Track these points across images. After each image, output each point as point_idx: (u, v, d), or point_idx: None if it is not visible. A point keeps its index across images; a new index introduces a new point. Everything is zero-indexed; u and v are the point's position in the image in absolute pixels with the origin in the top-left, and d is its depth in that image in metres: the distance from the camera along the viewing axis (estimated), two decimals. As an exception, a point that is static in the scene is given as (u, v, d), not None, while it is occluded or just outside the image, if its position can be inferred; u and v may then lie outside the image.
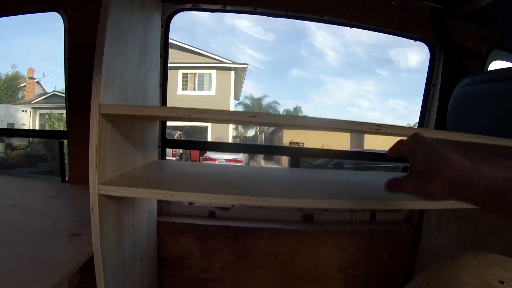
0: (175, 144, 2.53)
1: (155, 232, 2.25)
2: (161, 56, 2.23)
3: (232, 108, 19.31)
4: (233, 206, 2.56)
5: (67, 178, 2.61)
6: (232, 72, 19.75)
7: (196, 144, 2.72)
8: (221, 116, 1.24)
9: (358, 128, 1.29)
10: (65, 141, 2.53)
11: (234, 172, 1.92)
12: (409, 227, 2.48)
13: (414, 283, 1.26)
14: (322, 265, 2.48)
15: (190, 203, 2.54)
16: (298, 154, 2.58)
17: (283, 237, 2.43)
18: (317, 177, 1.90)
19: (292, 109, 21.24)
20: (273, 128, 19.90)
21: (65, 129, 2.49)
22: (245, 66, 20.37)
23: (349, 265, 2.49)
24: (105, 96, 1.26)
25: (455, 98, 2.16)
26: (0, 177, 2.68)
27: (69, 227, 1.61)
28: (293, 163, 2.57)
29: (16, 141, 10.53)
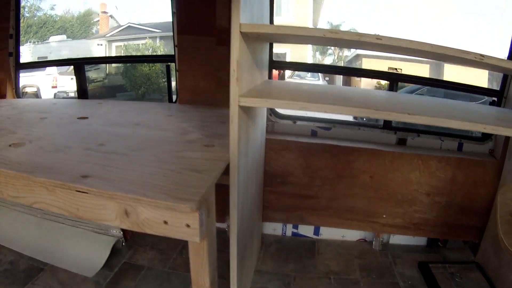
0: (281, 65, 2.62)
1: (264, 147, 2.39)
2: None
3: None
4: (334, 126, 2.66)
5: (174, 99, 2.78)
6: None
7: (303, 66, 2.79)
8: (352, 37, 1.31)
9: (462, 56, 1.33)
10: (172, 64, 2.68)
11: (337, 90, 2.02)
12: (492, 160, 2.51)
13: None
14: (412, 188, 2.57)
15: (294, 122, 2.66)
16: (396, 80, 2.62)
17: (379, 158, 2.52)
18: (415, 100, 1.97)
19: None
20: (352, 56, 19.30)
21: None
22: (324, -9, 19.57)
23: (436, 191, 2.56)
24: (241, 16, 1.34)
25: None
26: (109, 101, 2.84)
27: (198, 139, 1.75)
28: (391, 87, 2.62)
29: (93, 74, 10.90)
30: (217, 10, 2.40)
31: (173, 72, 2.72)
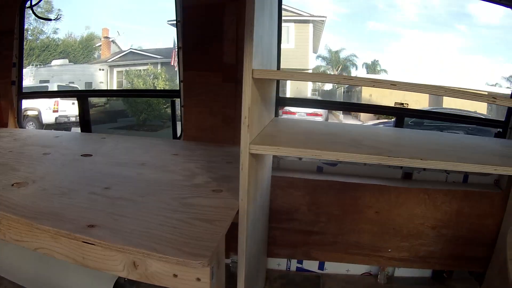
0: (286, 102, 2.64)
1: (269, 185, 2.37)
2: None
3: (310, 61, 18.75)
4: (340, 162, 2.65)
5: (178, 135, 2.76)
6: (310, 25, 19.21)
7: (308, 102, 2.81)
8: (366, 84, 1.32)
9: (475, 99, 1.36)
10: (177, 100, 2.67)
11: (345, 129, 2.03)
12: (498, 191, 2.52)
13: None
14: (418, 222, 2.56)
15: (300, 158, 2.65)
16: (403, 115, 2.64)
17: (385, 193, 2.51)
18: (422, 137, 2.01)
19: (370, 63, 20.66)
20: (351, 83, 19.47)
21: (171, 88, 2.61)
22: (324, 19, 19.82)
23: (442, 224, 2.55)
24: (254, 61, 1.34)
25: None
26: (113, 136, 2.82)
27: (206, 182, 1.74)
28: (398, 123, 2.63)
29: (94, 99, 10.94)
30: (224, 47, 2.41)
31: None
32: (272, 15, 1.85)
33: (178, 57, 2.55)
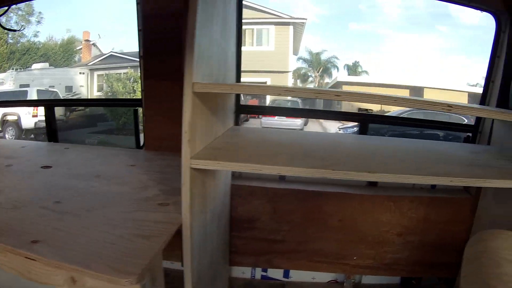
0: (248, 109, 2.62)
1: (229, 194, 2.38)
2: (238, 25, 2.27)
3: (291, 63, 18.71)
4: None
5: (141, 144, 2.75)
6: (291, 27, 19.21)
7: (269, 110, 2.80)
8: (309, 95, 1.32)
9: (429, 108, 1.36)
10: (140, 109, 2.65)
11: (304, 138, 2.02)
12: (467, 197, 2.52)
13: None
14: (383, 229, 2.56)
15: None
16: (366, 121, 2.64)
17: (348, 201, 2.52)
18: (385, 146, 2.00)
19: (351, 64, 20.69)
20: (332, 84, 19.55)
21: (138, 97, 2.60)
22: (304, 21, 19.84)
23: (408, 231, 2.56)
24: (196, 74, 1.35)
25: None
26: (78, 146, 2.79)
27: (155, 195, 1.73)
28: (362, 130, 2.62)
29: (74, 103, 10.92)
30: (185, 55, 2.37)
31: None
32: (226, 21, 1.84)
33: (139, 66, 2.53)
